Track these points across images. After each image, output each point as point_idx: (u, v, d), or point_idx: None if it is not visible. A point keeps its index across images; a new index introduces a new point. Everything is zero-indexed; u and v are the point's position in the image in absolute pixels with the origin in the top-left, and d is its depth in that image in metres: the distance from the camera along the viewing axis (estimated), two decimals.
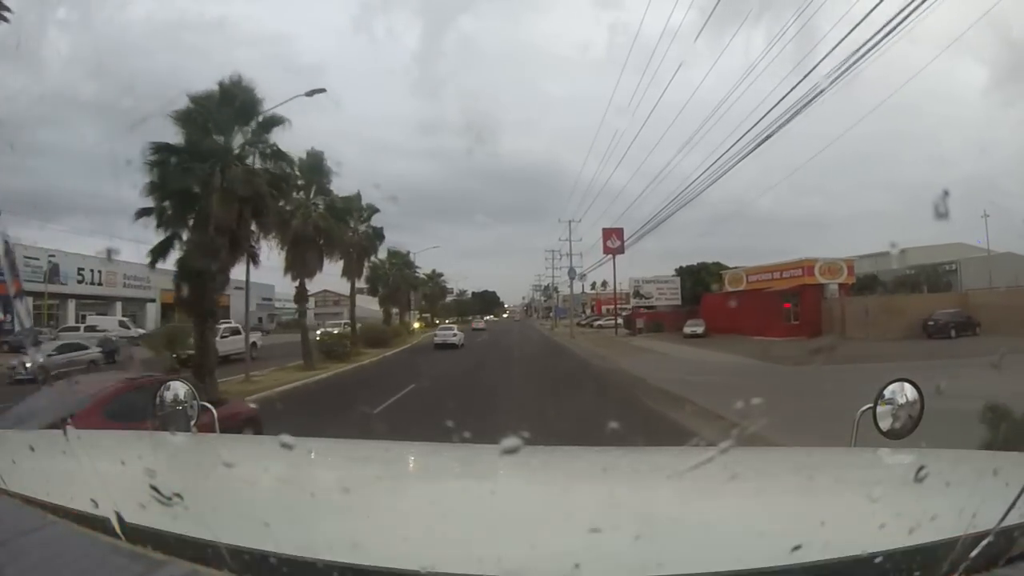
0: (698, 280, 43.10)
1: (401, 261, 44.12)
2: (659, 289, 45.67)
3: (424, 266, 57.57)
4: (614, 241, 41.85)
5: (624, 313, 46.19)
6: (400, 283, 43.83)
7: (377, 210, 28.03)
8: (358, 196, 26.44)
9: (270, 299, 56.69)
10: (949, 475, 1.14)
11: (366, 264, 29.02)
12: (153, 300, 35.78)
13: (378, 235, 28.70)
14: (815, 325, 28.82)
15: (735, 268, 38.92)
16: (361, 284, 37.38)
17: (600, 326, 54.48)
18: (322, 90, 15.61)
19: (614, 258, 42.86)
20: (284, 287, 33.13)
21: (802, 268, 31.88)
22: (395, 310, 44.93)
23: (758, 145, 13.80)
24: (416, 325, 52.08)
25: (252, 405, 9.07)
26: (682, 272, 45.70)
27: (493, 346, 31.80)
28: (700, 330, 33.30)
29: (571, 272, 50.25)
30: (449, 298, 76.30)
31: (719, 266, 42.65)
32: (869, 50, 9.72)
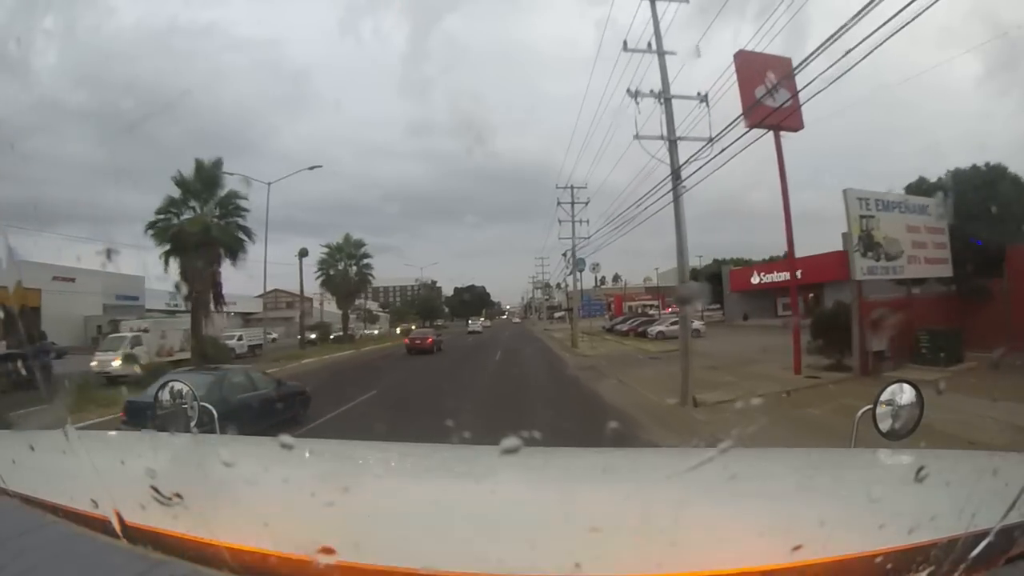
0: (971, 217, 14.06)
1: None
2: (913, 234, 13.90)
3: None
4: (776, 94, 13.14)
5: (779, 301, 17.95)
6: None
7: None
8: None
9: (137, 298, 34.59)
10: (949, 475, 1.15)
11: None
12: None
13: None
14: None
15: None
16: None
17: (662, 334, 28.16)
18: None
19: (777, 138, 13.85)
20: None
21: None
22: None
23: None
24: (298, 336, 31.06)
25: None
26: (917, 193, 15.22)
27: None
28: None
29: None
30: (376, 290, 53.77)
31: None
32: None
